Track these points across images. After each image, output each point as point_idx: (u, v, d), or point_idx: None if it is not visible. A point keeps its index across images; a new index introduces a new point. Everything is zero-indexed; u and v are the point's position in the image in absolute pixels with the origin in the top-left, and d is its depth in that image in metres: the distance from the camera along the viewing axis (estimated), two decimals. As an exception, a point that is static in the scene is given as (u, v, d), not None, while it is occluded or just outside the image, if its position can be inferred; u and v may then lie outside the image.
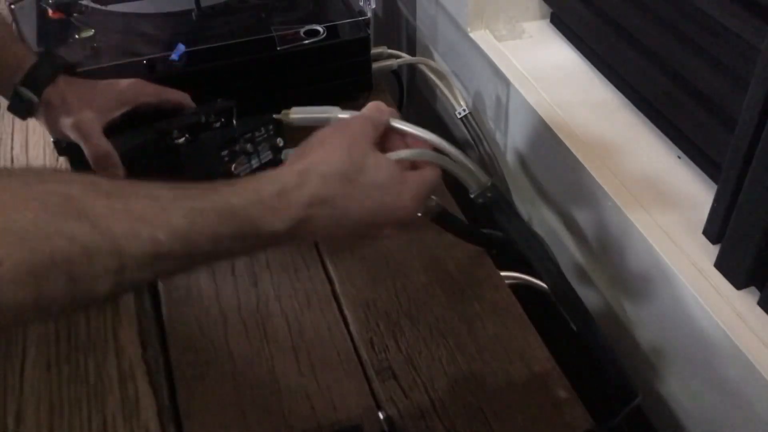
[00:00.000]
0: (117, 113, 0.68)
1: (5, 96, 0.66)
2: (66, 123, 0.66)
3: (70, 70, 0.69)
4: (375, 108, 0.52)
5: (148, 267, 0.37)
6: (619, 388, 0.62)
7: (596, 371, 0.63)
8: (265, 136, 0.71)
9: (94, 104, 0.67)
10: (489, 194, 0.57)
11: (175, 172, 0.68)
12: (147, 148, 0.68)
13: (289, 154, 0.48)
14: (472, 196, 0.58)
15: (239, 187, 0.42)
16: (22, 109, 0.66)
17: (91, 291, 0.36)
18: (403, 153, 0.52)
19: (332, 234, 0.47)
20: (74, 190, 0.36)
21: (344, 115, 0.54)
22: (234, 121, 0.70)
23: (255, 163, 0.74)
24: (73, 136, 0.66)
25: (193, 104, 0.73)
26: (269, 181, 0.43)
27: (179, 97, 0.72)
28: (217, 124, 0.70)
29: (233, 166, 0.65)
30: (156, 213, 0.37)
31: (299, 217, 0.43)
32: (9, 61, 0.66)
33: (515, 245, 0.61)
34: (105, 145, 0.65)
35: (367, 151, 0.47)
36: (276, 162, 0.75)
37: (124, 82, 0.70)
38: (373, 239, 0.49)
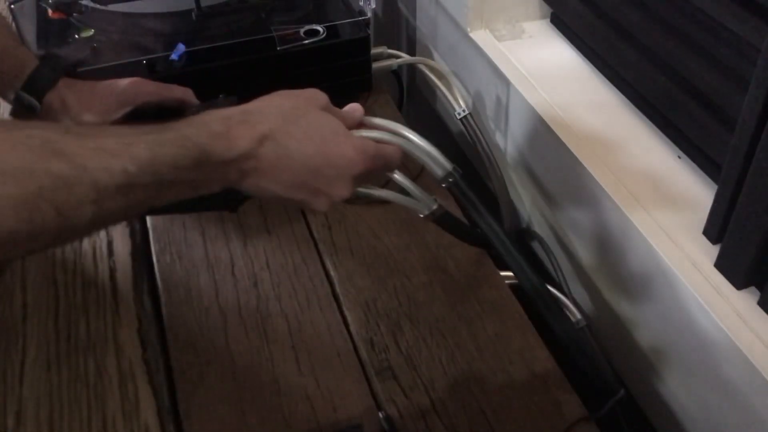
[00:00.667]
0: (118, 114, 0.67)
1: (7, 100, 0.67)
2: None
3: (71, 72, 0.69)
4: (349, 106, 0.57)
5: (122, 196, 0.42)
6: (600, 384, 0.62)
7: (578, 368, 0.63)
8: None
9: (94, 106, 0.67)
10: (450, 179, 0.59)
11: None
12: None
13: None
14: (438, 180, 0.60)
15: (192, 121, 0.47)
16: (23, 114, 0.66)
17: (75, 220, 0.40)
18: (367, 132, 0.56)
19: (277, 179, 0.50)
20: (51, 134, 0.40)
21: None
22: None
23: None
24: None
25: (195, 100, 0.73)
26: (217, 117, 0.48)
27: (181, 93, 0.71)
28: None
29: None
30: (123, 148, 0.42)
31: (245, 149, 0.47)
32: (11, 66, 0.66)
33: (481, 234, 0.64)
34: None
35: (312, 107, 0.52)
36: None
37: (124, 82, 0.70)
38: (314, 197, 0.51)
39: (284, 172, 0.50)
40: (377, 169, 0.55)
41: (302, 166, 0.50)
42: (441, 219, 0.61)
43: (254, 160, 0.48)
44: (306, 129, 0.50)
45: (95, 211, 0.41)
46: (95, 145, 0.41)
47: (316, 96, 0.54)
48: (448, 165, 0.59)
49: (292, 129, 0.49)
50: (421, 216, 0.60)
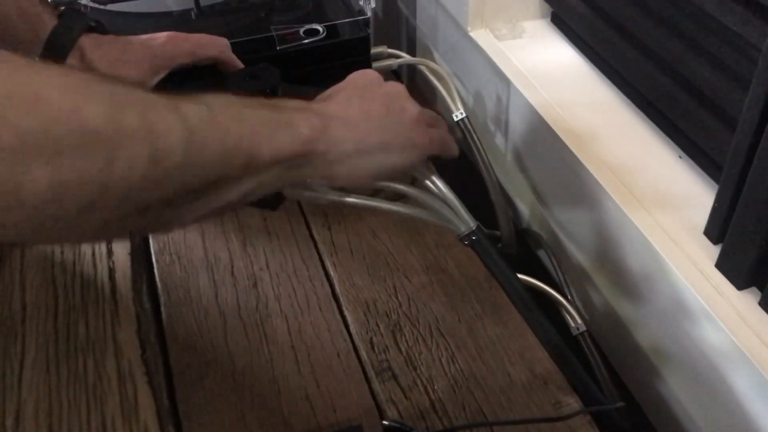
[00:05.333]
0: (154, 81, 0.63)
1: None
2: None
3: (95, 28, 0.63)
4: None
5: (210, 123, 0.40)
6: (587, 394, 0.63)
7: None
8: None
9: (126, 70, 0.62)
10: (474, 237, 0.59)
11: None
12: None
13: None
14: (458, 237, 0.59)
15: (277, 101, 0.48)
16: None
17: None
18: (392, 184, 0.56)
19: (346, 151, 0.49)
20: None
21: None
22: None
23: None
24: None
25: (232, 56, 0.69)
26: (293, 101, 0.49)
27: (216, 52, 0.67)
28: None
29: None
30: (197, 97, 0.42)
31: (319, 124, 0.47)
32: (27, 30, 0.60)
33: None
34: None
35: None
36: None
37: (158, 42, 0.64)
38: (397, 145, 0.52)
39: (351, 143, 0.49)
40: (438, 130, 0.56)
41: (373, 127, 0.50)
42: (476, 244, 0.59)
43: (328, 131, 0.48)
44: (375, 94, 0.52)
45: (181, 137, 0.38)
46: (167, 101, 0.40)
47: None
48: (471, 222, 0.58)
49: (362, 92, 0.52)
50: (458, 237, 0.59)
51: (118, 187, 0.35)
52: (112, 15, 0.88)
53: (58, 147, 0.33)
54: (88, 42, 0.61)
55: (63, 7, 0.65)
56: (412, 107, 0.53)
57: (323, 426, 0.60)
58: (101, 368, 0.63)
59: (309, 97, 0.65)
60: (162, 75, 0.65)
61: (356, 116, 0.50)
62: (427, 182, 0.58)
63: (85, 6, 0.88)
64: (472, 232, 0.58)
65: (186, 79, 0.67)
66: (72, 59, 0.60)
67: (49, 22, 0.61)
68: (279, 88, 0.66)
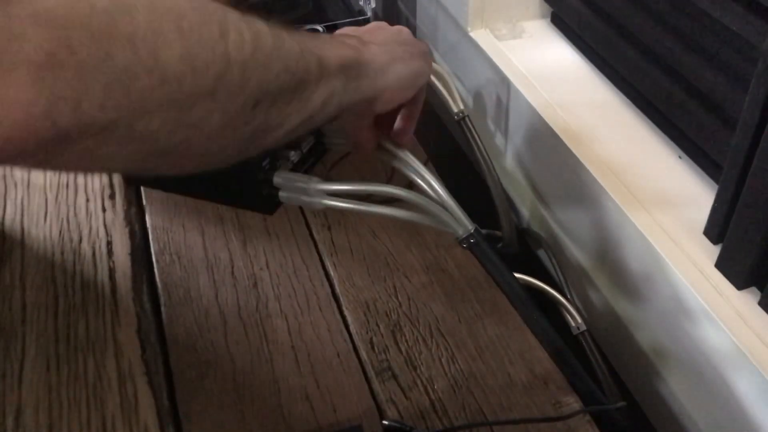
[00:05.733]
0: None
1: None
2: None
3: None
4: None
5: (285, 36, 0.45)
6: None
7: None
8: None
9: None
10: (472, 240, 0.59)
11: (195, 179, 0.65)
12: None
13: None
14: (457, 239, 0.60)
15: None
16: None
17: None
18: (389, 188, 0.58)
19: (384, 61, 0.55)
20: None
21: (325, 186, 0.60)
22: None
23: (295, 156, 0.71)
24: None
25: None
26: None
27: None
28: None
29: (274, 176, 0.62)
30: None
31: (356, 42, 0.53)
32: None
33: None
34: None
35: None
36: (321, 146, 0.70)
37: None
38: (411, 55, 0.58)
39: (386, 54, 0.55)
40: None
41: (397, 52, 0.56)
42: (474, 247, 0.59)
43: (367, 49, 0.53)
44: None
45: (269, 42, 0.43)
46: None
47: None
48: (470, 225, 0.58)
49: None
50: (456, 240, 0.59)
51: (235, 61, 0.39)
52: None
53: (181, 13, 0.36)
54: None
55: None
56: (419, 42, 0.62)
57: (323, 426, 0.60)
58: (101, 368, 0.63)
59: None
60: None
61: (381, 38, 0.58)
62: (424, 186, 0.58)
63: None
64: (471, 235, 0.58)
65: None
66: None
67: None
68: None
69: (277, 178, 0.60)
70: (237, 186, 0.62)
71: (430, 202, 0.58)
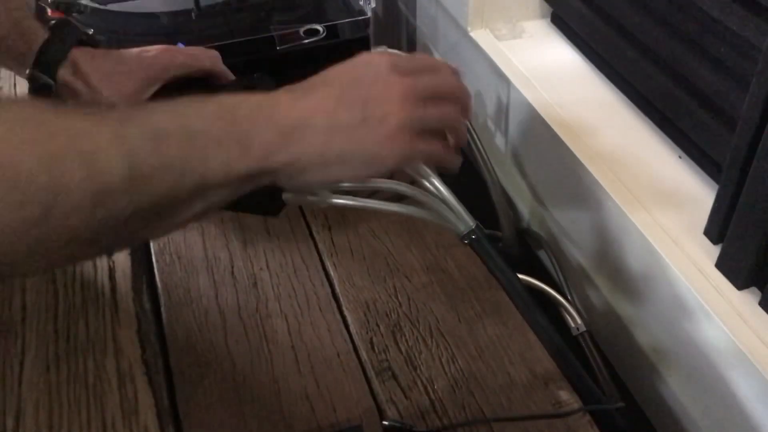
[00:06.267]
0: (148, 93, 0.63)
1: (25, 78, 0.61)
2: None
3: (88, 39, 0.62)
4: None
5: (156, 149, 0.39)
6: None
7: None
8: None
9: (123, 88, 0.61)
10: (473, 236, 0.59)
11: None
12: None
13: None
14: (459, 237, 0.59)
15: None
16: (41, 93, 0.60)
17: (104, 180, 0.37)
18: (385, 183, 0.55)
19: (302, 164, 0.45)
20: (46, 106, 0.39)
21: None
22: None
23: None
24: None
25: (223, 68, 0.68)
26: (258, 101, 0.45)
27: (209, 63, 0.66)
28: None
29: None
30: (141, 111, 0.41)
31: (277, 139, 0.44)
32: (20, 41, 0.60)
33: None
34: None
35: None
36: None
37: (151, 53, 0.64)
38: (367, 125, 0.46)
39: (332, 139, 0.46)
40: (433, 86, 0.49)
41: (348, 124, 0.46)
42: (475, 243, 0.59)
43: (305, 130, 0.45)
44: (336, 69, 0.49)
45: (123, 172, 0.37)
46: (121, 111, 0.40)
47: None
48: (471, 221, 0.59)
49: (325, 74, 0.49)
50: (458, 237, 0.59)
51: (60, 230, 0.36)
52: (112, 15, 0.88)
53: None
54: (80, 55, 0.61)
55: (53, 21, 0.65)
56: (399, 114, 0.46)
57: (323, 426, 0.60)
58: (101, 368, 0.63)
59: None
60: (156, 86, 0.64)
61: (323, 121, 0.45)
62: (426, 183, 0.58)
63: (85, 6, 0.88)
64: (472, 231, 0.58)
65: (179, 92, 0.67)
66: (65, 71, 0.60)
67: (41, 34, 0.60)
68: None
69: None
70: None
71: (433, 198, 0.58)
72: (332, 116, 0.46)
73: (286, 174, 0.45)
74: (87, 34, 0.64)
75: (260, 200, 0.61)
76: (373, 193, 0.62)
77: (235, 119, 0.43)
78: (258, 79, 0.67)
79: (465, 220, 0.58)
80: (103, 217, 0.37)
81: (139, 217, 0.39)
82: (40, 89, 0.60)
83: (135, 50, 0.65)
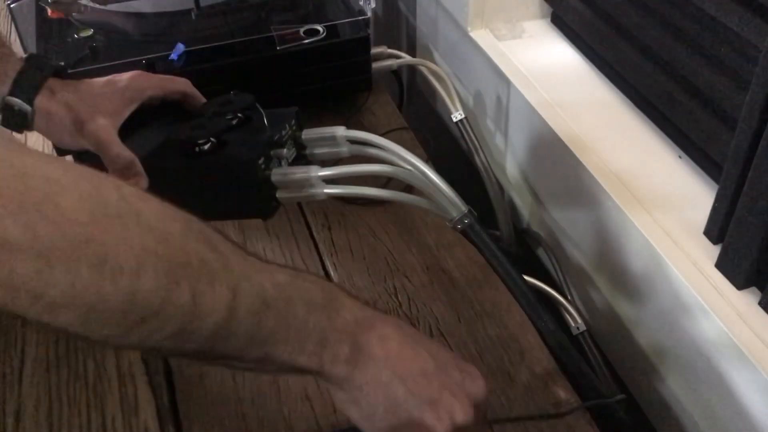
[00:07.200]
0: (126, 113, 0.64)
1: None
2: (77, 133, 0.62)
3: (62, 73, 0.64)
4: None
5: (253, 316, 0.40)
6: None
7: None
8: (290, 132, 0.65)
9: (103, 108, 0.62)
10: (466, 221, 0.59)
11: (200, 181, 0.64)
12: (168, 156, 0.63)
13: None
14: (449, 224, 0.60)
15: (335, 314, 0.44)
16: (15, 122, 0.61)
17: (200, 323, 0.38)
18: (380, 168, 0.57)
19: (351, 394, 0.46)
20: (207, 229, 0.40)
21: (326, 172, 0.59)
22: (266, 122, 0.64)
23: (289, 154, 0.68)
24: (91, 145, 0.62)
25: (195, 90, 0.69)
26: (349, 331, 0.45)
27: (182, 86, 0.68)
28: (235, 121, 0.64)
29: (271, 174, 0.61)
30: (264, 266, 0.42)
31: (348, 356, 0.45)
32: None
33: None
34: (127, 153, 0.61)
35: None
36: (300, 157, 0.71)
37: (124, 78, 0.66)
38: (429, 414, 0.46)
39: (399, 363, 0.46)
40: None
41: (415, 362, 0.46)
42: (468, 230, 0.59)
43: (349, 385, 0.45)
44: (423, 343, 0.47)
45: (223, 319, 0.39)
46: (241, 254, 0.41)
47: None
48: (463, 206, 0.59)
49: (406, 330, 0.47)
50: (448, 223, 0.59)
51: (134, 336, 0.37)
52: (112, 15, 0.88)
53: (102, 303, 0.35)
54: (55, 82, 0.62)
55: (28, 53, 0.68)
56: (467, 412, 0.46)
57: (323, 426, 0.60)
58: (101, 368, 0.63)
59: (288, 117, 0.65)
60: (134, 106, 0.65)
61: (395, 376, 0.45)
62: (418, 170, 0.58)
63: (85, 6, 0.88)
64: (464, 216, 0.59)
65: (153, 116, 0.67)
66: (41, 98, 0.61)
67: (17, 62, 0.62)
68: (258, 112, 0.65)
69: (276, 176, 0.60)
70: (235, 191, 0.61)
71: (425, 183, 0.58)
72: (406, 377, 0.46)
73: (332, 386, 0.47)
74: (61, 66, 0.66)
75: (255, 202, 0.61)
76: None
77: (332, 320, 0.44)
78: (236, 94, 0.67)
79: (457, 206, 0.59)
80: (170, 348, 0.39)
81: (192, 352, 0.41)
82: (14, 118, 0.60)
83: (109, 77, 0.66)
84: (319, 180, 0.60)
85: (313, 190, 0.60)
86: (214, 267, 0.39)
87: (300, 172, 0.60)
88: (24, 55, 0.64)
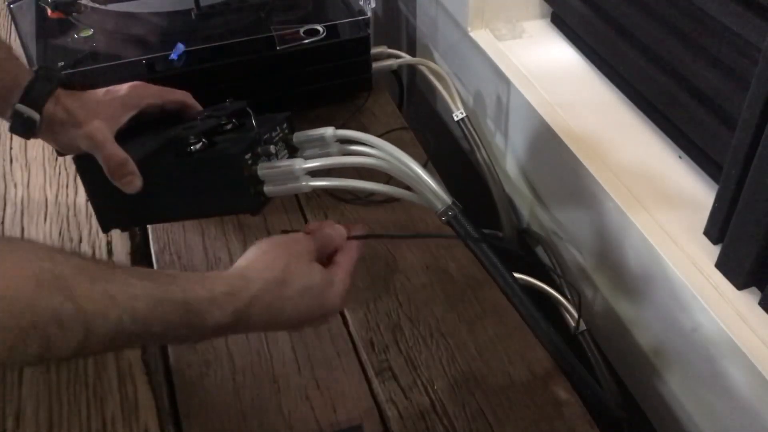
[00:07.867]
0: (125, 119, 0.67)
1: (4, 117, 0.64)
2: (76, 135, 0.64)
3: (68, 83, 0.67)
4: (328, 226, 0.59)
5: (108, 341, 0.44)
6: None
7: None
8: (281, 134, 0.67)
9: (101, 113, 0.65)
10: (450, 213, 0.59)
11: (191, 179, 0.65)
12: (161, 156, 0.65)
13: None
14: (436, 214, 0.60)
15: (196, 283, 0.49)
16: (22, 129, 0.64)
17: (56, 354, 0.43)
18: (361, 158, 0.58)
19: (268, 328, 0.57)
20: (66, 271, 0.43)
21: (310, 164, 0.60)
22: (254, 122, 0.68)
23: (275, 149, 0.71)
24: (86, 146, 0.64)
25: (195, 102, 0.72)
26: (222, 282, 0.50)
27: (181, 96, 0.71)
28: (229, 126, 0.67)
29: (258, 168, 0.62)
30: (126, 299, 0.45)
31: (240, 313, 0.50)
32: (4, 80, 0.64)
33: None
34: (120, 152, 0.63)
35: (304, 264, 0.54)
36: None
37: (124, 87, 0.68)
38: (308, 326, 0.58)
39: (274, 326, 0.54)
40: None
41: (291, 320, 0.53)
42: (453, 220, 0.60)
43: (248, 319, 0.51)
44: (299, 293, 0.53)
45: (77, 348, 0.43)
46: (102, 290, 0.44)
47: (300, 246, 0.56)
48: (447, 198, 0.59)
49: (287, 294, 0.52)
50: (436, 214, 0.60)
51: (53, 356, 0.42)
52: (112, 15, 0.88)
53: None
54: (61, 92, 0.65)
55: (39, 65, 0.72)
56: (338, 300, 0.55)
57: (323, 426, 0.60)
58: (101, 369, 0.63)
59: (280, 120, 0.66)
60: (133, 113, 0.67)
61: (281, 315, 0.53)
62: (403, 164, 0.59)
63: (85, 6, 0.88)
64: (449, 207, 0.59)
65: (152, 125, 0.69)
66: (48, 105, 0.64)
67: (27, 73, 0.65)
68: (253, 120, 0.66)
69: (262, 170, 0.61)
70: (222, 186, 0.62)
71: (410, 175, 0.59)
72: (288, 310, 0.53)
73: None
74: (69, 78, 0.69)
75: (242, 197, 0.62)
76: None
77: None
78: (230, 102, 0.69)
79: (442, 197, 0.59)
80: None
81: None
82: (22, 125, 0.63)
83: (107, 88, 0.69)
84: (304, 172, 0.60)
85: (299, 183, 0.60)
86: (65, 315, 0.42)
87: (284, 165, 0.61)
88: (35, 68, 0.68)
